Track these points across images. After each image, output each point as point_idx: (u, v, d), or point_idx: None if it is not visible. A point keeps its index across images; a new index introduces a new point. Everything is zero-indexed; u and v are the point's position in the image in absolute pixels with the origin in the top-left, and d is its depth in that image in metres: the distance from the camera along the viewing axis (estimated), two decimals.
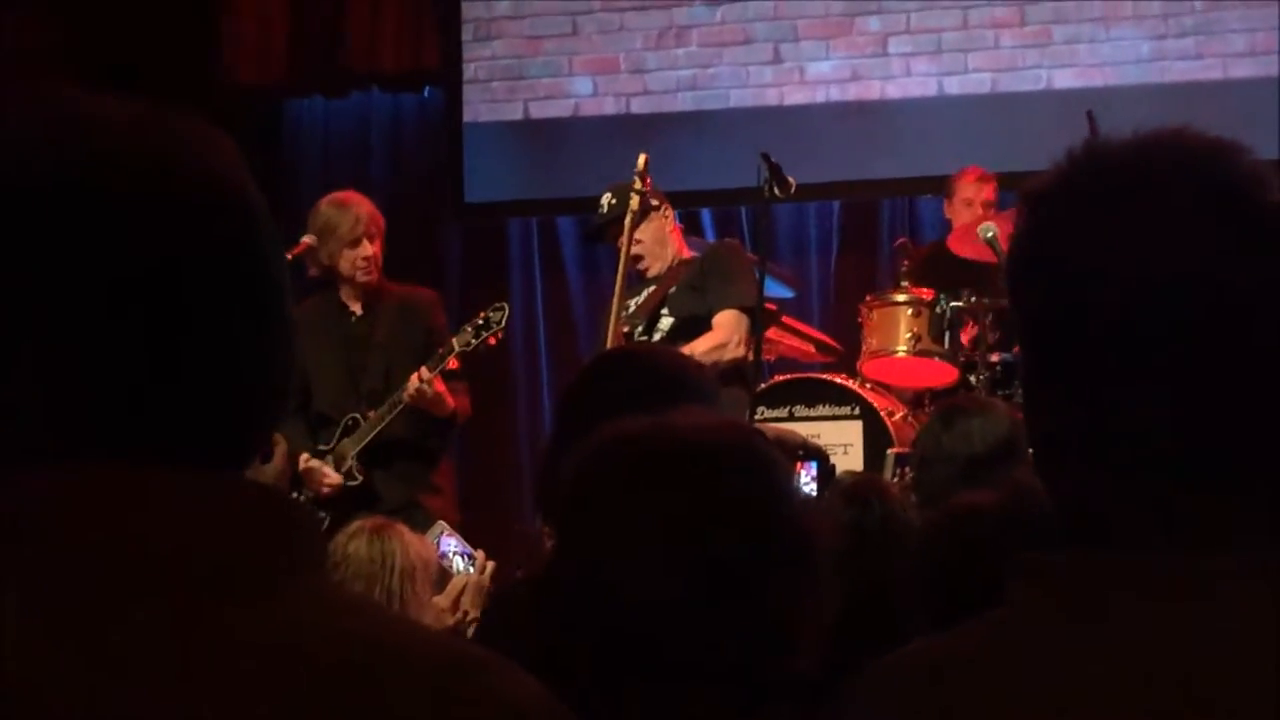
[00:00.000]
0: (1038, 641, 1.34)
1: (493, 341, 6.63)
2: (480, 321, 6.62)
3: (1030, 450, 1.43)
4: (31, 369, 1.17)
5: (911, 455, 4.59)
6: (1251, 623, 1.30)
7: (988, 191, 8.07)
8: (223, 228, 1.22)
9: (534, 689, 1.19)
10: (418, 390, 6.59)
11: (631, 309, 7.00)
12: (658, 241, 6.99)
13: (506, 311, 6.64)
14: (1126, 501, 1.35)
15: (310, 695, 1.12)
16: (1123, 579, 1.33)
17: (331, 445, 6.78)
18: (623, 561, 1.97)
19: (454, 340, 6.62)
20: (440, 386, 6.65)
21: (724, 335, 6.72)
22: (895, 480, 6.72)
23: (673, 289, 6.93)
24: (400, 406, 6.65)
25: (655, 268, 6.99)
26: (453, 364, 6.63)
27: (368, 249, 6.77)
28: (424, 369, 6.58)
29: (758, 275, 6.84)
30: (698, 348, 6.42)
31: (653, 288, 7.00)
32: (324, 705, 1.12)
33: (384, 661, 1.15)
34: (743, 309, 6.77)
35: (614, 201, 7.01)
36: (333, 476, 6.72)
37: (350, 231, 6.75)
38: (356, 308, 6.90)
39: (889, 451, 7.09)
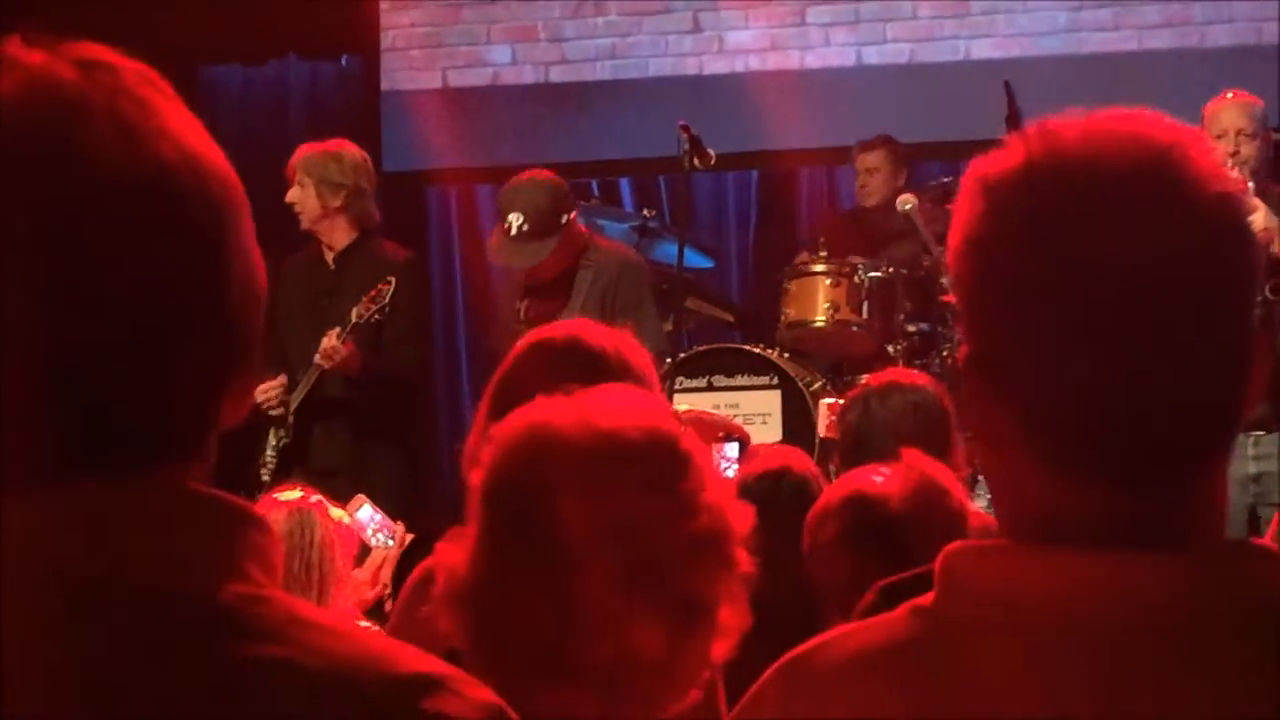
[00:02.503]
0: (970, 638, 1.35)
1: (378, 317, 6.62)
2: (374, 294, 6.63)
3: (968, 440, 1.45)
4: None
5: (845, 430, 4.59)
6: (1198, 625, 1.32)
7: (867, 159, 8.15)
8: (190, 216, 1.21)
9: (488, 703, 1.21)
10: (325, 353, 6.60)
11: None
12: (565, 251, 6.83)
13: (393, 286, 6.61)
14: (1072, 498, 1.35)
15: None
16: (1065, 576, 1.34)
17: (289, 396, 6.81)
18: (543, 562, 1.96)
19: (353, 310, 6.63)
20: (351, 350, 6.64)
21: None
22: (829, 431, 6.67)
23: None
24: (320, 370, 6.67)
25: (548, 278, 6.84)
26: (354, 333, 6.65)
27: (290, 194, 6.82)
28: (334, 333, 6.60)
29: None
30: None
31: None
32: None
33: (338, 682, 1.16)
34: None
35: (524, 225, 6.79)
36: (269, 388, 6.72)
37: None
38: (330, 260, 6.94)
39: (823, 402, 7.13)
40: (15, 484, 1.17)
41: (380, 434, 6.90)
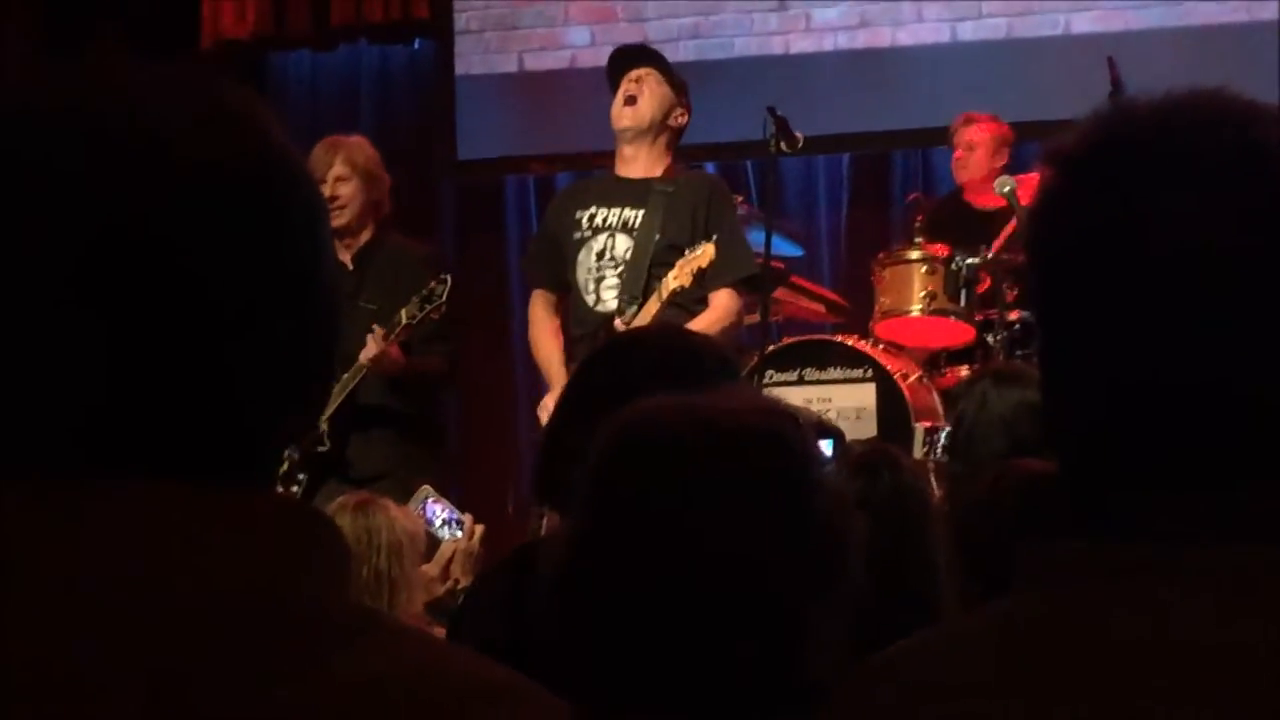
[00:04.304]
0: (1038, 643, 1.33)
1: (435, 316, 6.53)
2: (425, 293, 6.53)
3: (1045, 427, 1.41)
4: (55, 366, 1.15)
5: (957, 421, 4.53)
6: (1262, 616, 1.28)
7: (968, 132, 8.10)
8: (281, 215, 1.20)
9: (562, 714, 1.21)
10: (374, 358, 6.53)
11: (586, 232, 6.71)
12: (659, 107, 6.73)
13: (449, 284, 6.52)
14: (1143, 487, 1.33)
15: None
16: (1136, 571, 1.31)
17: None
18: (648, 554, 1.97)
19: (403, 311, 6.53)
20: (397, 353, 6.60)
21: (718, 316, 6.46)
22: (925, 456, 6.69)
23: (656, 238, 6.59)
24: (362, 373, 6.61)
25: (629, 122, 6.73)
26: (405, 334, 6.59)
27: (338, 188, 6.72)
28: (379, 335, 6.53)
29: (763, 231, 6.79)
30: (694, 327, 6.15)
31: (631, 218, 6.69)
32: None
33: (412, 693, 1.15)
34: (737, 285, 6.59)
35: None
36: None
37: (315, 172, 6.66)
38: (347, 260, 6.83)
39: (918, 425, 7.05)
40: (79, 474, 1.15)
41: (420, 437, 6.88)
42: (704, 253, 6.33)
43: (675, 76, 6.80)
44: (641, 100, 6.71)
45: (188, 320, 1.16)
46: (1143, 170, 1.32)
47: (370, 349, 6.49)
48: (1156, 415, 1.31)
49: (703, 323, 6.33)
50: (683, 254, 6.42)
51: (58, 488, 1.14)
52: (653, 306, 6.41)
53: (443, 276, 6.54)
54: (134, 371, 1.15)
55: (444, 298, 6.48)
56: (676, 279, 6.35)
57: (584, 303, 6.65)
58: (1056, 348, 1.38)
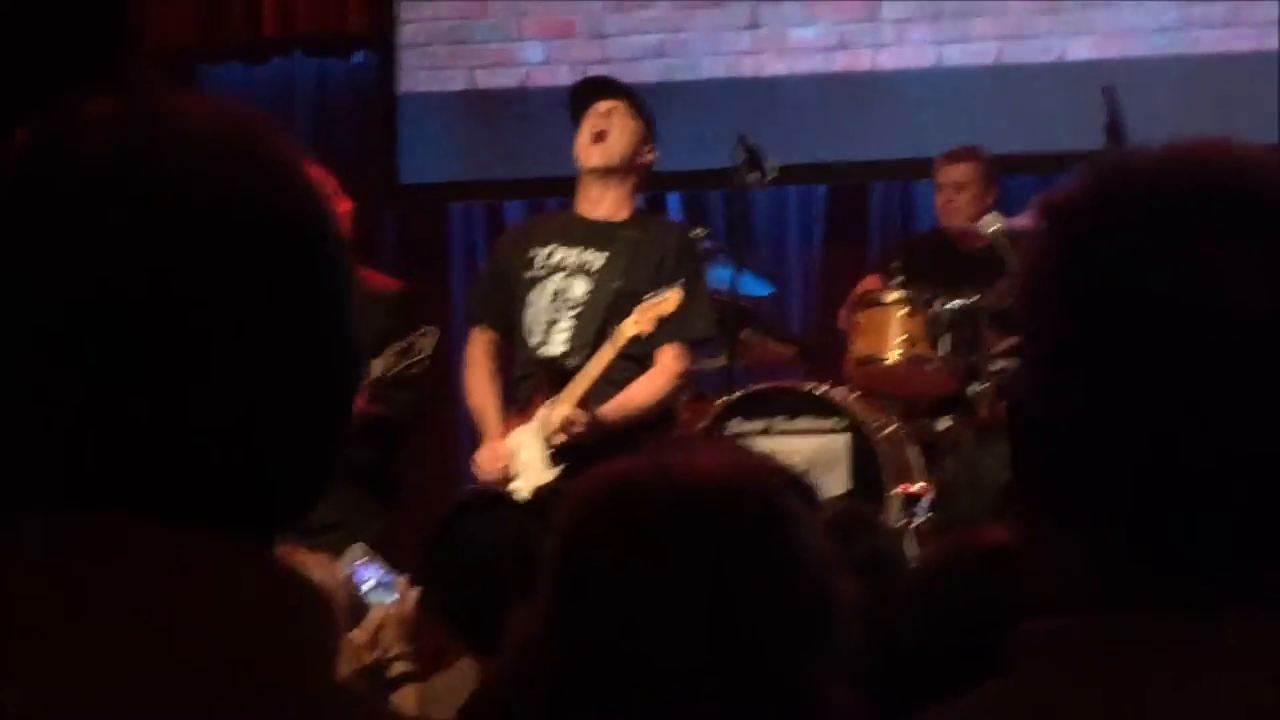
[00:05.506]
0: None
1: (415, 371, 6.51)
2: (405, 346, 6.52)
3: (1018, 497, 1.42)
4: (66, 403, 1.20)
5: (938, 480, 4.51)
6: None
7: (954, 172, 8.07)
8: (306, 266, 1.25)
9: None
10: None
11: (541, 273, 6.64)
12: (629, 145, 6.66)
13: (435, 338, 6.51)
14: (1134, 559, 1.33)
15: None
16: (1145, 651, 1.31)
17: None
18: (629, 628, 2.01)
19: (376, 362, 6.51)
20: (361, 402, 6.46)
21: (666, 379, 6.46)
22: (905, 524, 6.74)
23: (613, 284, 6.55)
24: None
25: (598, 160, 6.65)
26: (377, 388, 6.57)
27: None
28: None
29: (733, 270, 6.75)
30: (636, 395, 6.33)
31: (584, 260, 6.65)
32: None
33: None
34: (687, 344, 6.56)
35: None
36: None
37: None
38: None
39: (895, 491, 7.04)
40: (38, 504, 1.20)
41: (373, 488, 6.85)
42: (669, 299, 6.31)
43: (645, 111, 6.77)
44: (611, 137, 6.66)
45: (178, 348, 1.20)
46: (1140, 231, 1.34)
47: None
48: (1162, 488, 1.31)
49: (647, 383, 6.42)
50: (640, 303, 6.41)
51: (33, 528, 1.19)
52: (606, 354, 6.38)
53: (425, 329, 6.55)
54: (120, 402, 1.20)
55: (427, 352, 6.52)
56: (636, 324, 6.33)
57: (527, 344, 6.62)
58: (1047, 409, 1.37)
